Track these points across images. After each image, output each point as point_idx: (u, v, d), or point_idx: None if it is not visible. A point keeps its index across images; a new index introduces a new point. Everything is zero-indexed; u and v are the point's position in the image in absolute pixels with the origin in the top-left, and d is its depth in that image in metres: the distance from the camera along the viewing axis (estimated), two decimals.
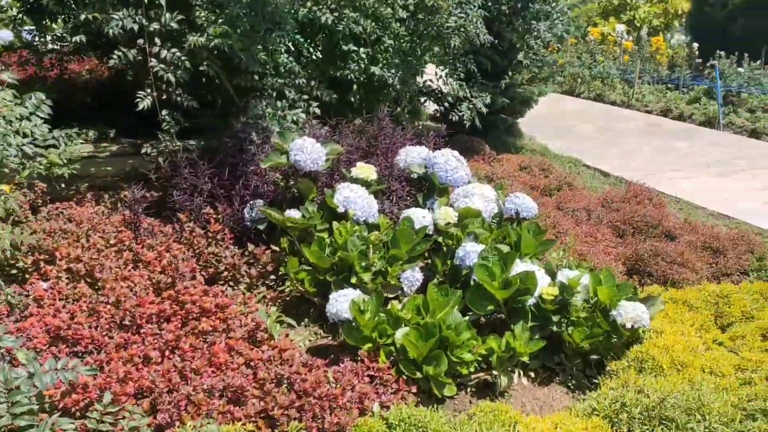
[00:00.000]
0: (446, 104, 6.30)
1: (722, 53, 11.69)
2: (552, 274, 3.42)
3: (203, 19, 4.27)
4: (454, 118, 5.78)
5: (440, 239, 3.87)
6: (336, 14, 5.03)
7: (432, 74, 5.99)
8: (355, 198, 3.79)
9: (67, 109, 6.91)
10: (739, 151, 8.19)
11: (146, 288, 3.36)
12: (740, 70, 11.44)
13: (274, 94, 4.79)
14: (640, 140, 8.69)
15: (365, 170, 4.08)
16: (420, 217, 3.89)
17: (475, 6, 5.15)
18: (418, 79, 6.24)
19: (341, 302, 3.17)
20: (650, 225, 4.75)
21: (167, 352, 2.87)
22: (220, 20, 4.20)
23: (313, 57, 5.28)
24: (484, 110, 5.84)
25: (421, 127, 7.38)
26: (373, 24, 5.06)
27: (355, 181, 4.04)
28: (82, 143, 6.54)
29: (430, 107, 7.58)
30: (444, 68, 5.56)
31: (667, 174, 7.03)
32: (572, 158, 7.35)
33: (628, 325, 3.13)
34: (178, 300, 3.17)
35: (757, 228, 5.46)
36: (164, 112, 4.43)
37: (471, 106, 5.79)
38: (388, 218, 4.03)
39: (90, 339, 2.91)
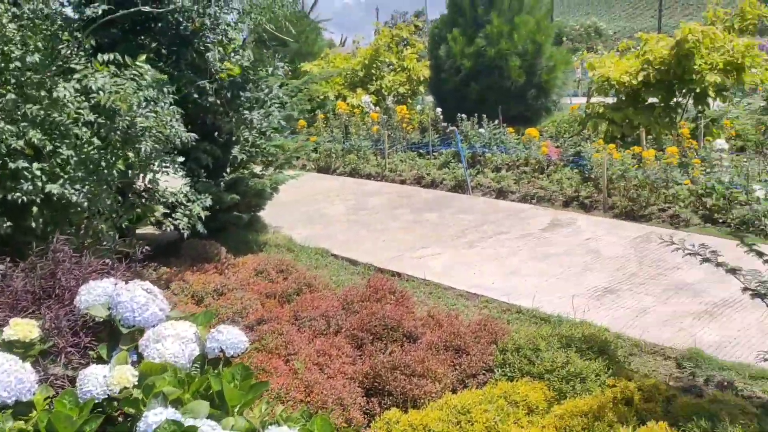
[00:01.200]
0: (161, 210, 5.52)
1: (463, 116, 12.04)
2: None
3: None
4: (169, 228, 5.00)
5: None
6: None
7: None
8: None
9: None
10: (485, 217, 8.14)
11: None
12: (482, 131, 11.82)
13: None
14: (392, 216, 8.40)
15: (22, 328, 3.13)
16: (100, 378, 3.02)
17: (166, 103, 4.46)
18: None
19: None
20: (390, 328, 4.21)
21: None
22: None
23: None
24: (203, 214, 5.13)
25: (149, 237, 6.52)
26: (41, 135, 4.18)
27: (9, 345, 3.09)
28: None
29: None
30: (145, 174, 4.79)
31: (417, 252, 6.73)
32: (320, 249, 6.81)
33: None
34: None
35: (505, 304, 5.22)
36: None
37: (187, 212, 5.04)
38: (57, 387, 3.12)
39: None
